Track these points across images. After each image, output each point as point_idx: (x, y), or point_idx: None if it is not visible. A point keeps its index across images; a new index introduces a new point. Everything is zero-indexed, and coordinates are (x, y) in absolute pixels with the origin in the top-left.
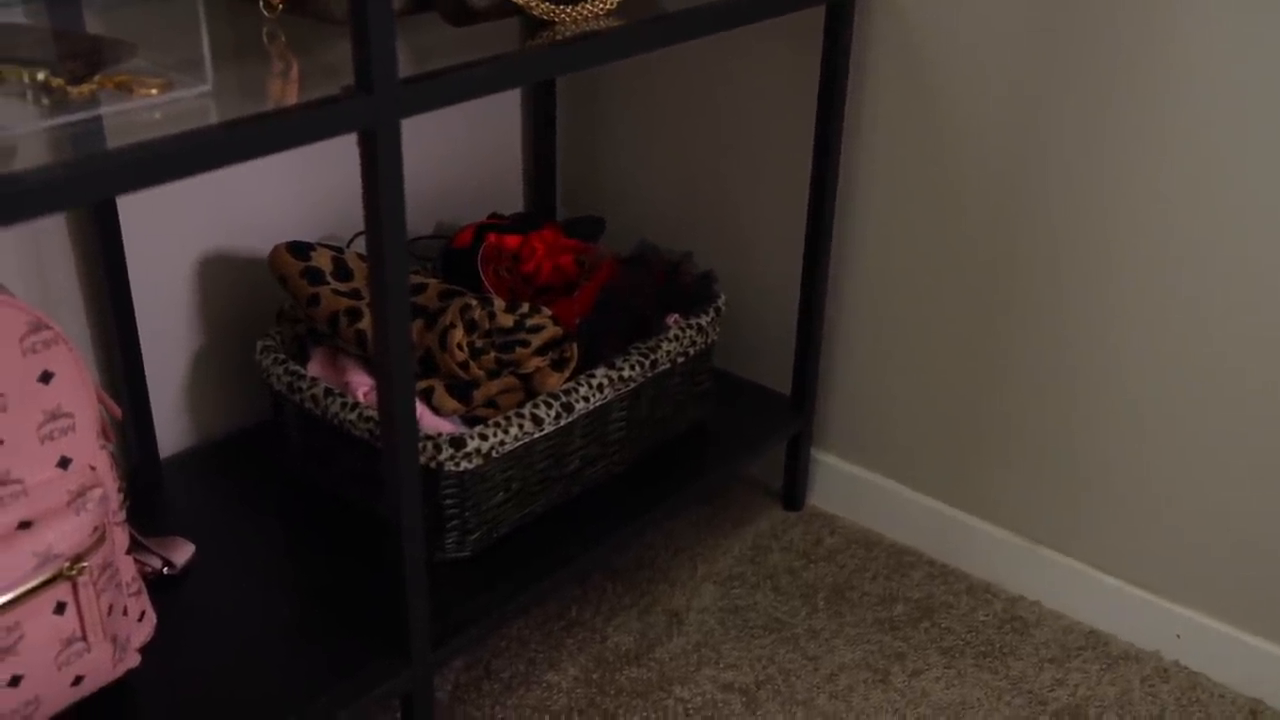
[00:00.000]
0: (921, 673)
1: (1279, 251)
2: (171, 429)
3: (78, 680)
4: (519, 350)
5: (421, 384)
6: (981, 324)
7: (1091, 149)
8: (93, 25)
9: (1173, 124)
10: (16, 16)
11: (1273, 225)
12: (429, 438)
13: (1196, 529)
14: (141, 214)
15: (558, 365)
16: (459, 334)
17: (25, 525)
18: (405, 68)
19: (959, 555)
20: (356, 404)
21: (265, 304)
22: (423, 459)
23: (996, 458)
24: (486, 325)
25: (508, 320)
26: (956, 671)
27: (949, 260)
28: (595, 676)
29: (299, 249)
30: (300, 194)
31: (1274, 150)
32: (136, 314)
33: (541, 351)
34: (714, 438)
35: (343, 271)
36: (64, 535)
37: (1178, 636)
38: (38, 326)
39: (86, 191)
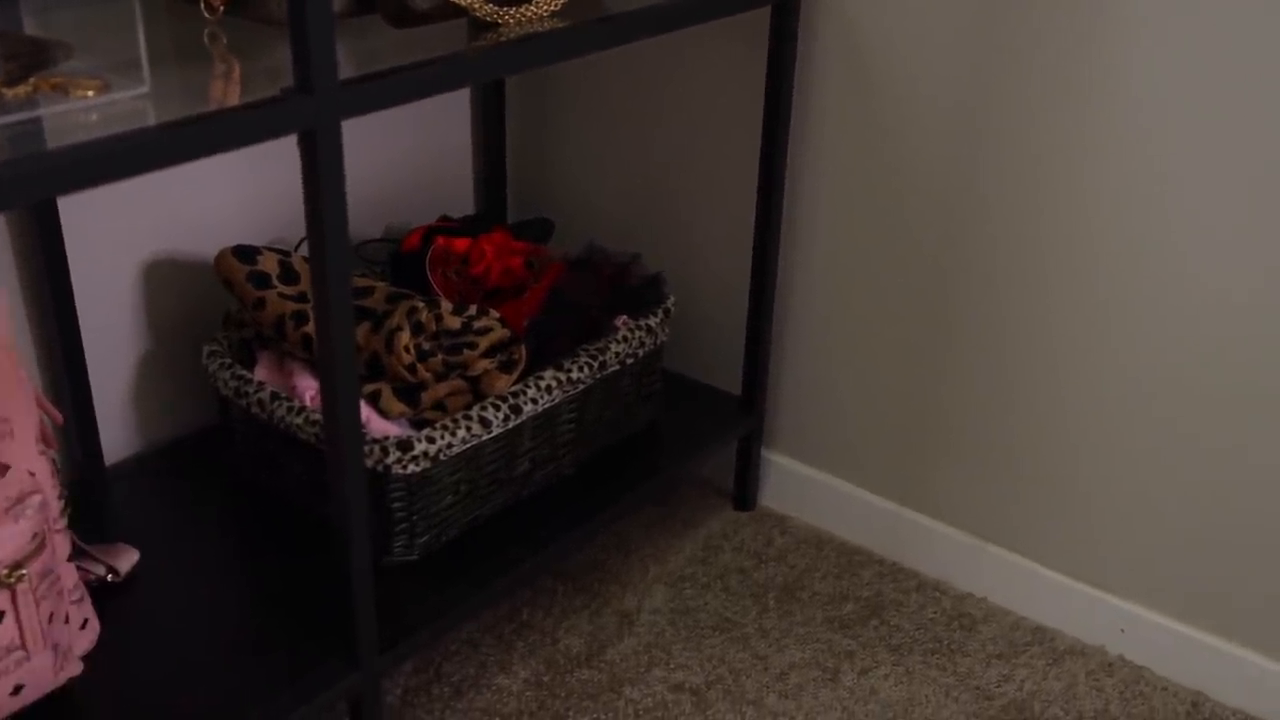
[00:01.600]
0: (870, 670)
1: (1210, 249)
2: (116, 434)
3: (17, 689)
4: (466, 353)
5: (368, 387)
6: (927, 324)
7: (1030, 150)
8: (30, 26)
9: (1108, 126)
10: None
11: (1203, 223)
12: (376, 441)
13: (1141, 525)
14: (85, 216)
15: (506, 367)
16: (405, 336)
17: None
18: (346, 69)
19: (908, 553)
20: (303, 408)
21: (212, 308)
22: (370, 462)
23: (944, 456)
24: (433, 328)
25: (455, 322)
26: (905, 669)
27: (894, 260)
28: (546, 679)
29: (245, 253)
30: (248, 197)
31: (1206, 151)
32: (79, 317)
33: (489, 354)
34: (664, 439)
35: (289, 275)
36: (2, 543)
37: (1122, 631)
38: None
39: (22, 192)
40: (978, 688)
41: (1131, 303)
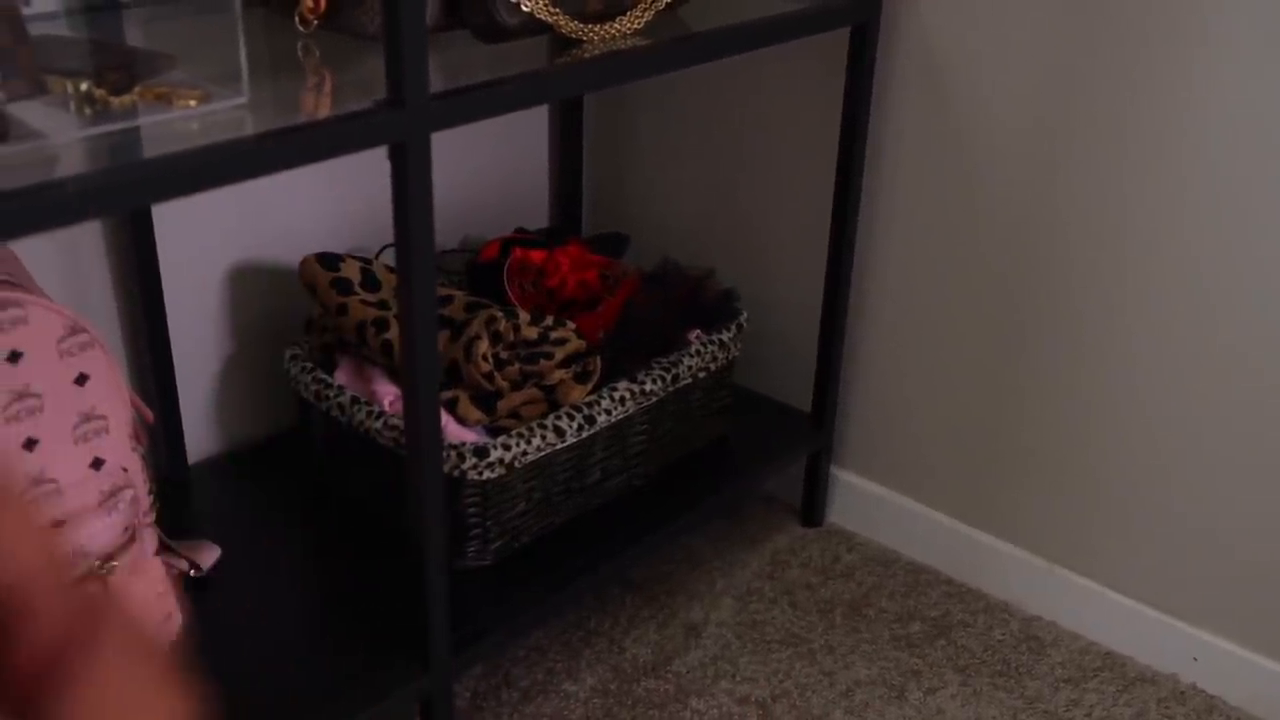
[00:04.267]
0: (937, 690)
1: None
2: (200, 434)
3: None
4: (543, 362)
5: (446, 394)
6: (1001, 344)
7: (1112, 171)
8: (133, 38)
9: (1194, 148)
10: (60, 29)
11: None
12: (453, 447)
13: (1215, 551)
14: (176, 223)
15: (581, 378)
16: (484, 345)
17: (58, 524)
18: (436, 83)
19: (976, 574)
20: (382, 413)
21: (294, 313)
22: (446, 468)
23: (1015, 477)
24: (511, 337)
25: (532, 333)
26: (972, 690)
27: (969, 280)
28: (613, 687)
29: (328, 260)
30: (330, 206)
31: None
32: (169, 320)
33: (565, 364)
34: (734, 453)
35: (371, 282)
36: (95, 535)
37: (1195, 659)
38: (75, 330)
39: (124, 199)
40: (1046, 711)
41: (1215, 325)
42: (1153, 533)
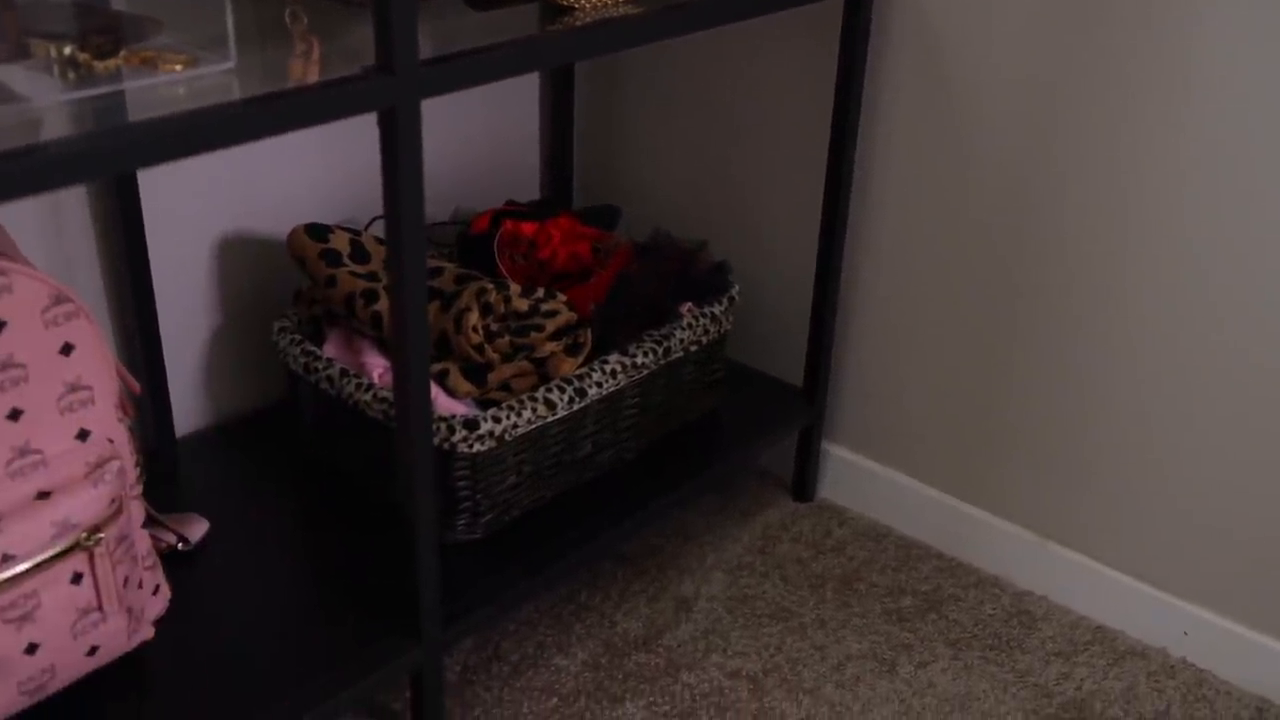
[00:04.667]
0: (928, 664)
1: None
2: (188, 407)
3: (93, 650)
4: (534, 335)
5: (436, 366)
6: (993, 319)
7: (1106, 144)
8: (119, 2)
9: (1190, 126)
10: None
11: None
12: (443, 419)
13: (1205, 526)
14: (162, 192)
15: (572, 350)
16: (474, 317)
17: (44, 495)
18: (426, 49)
19: (967, 549)
20: (371, 385)
21: (283, 285)
22: (436, 440)
23: (1006, 452)
24: (502, 309)
25: (523, 305)
26: (963, 664)
27: (962, 254)
28: (603, 661)
29: (317, 231)
30: (319, 177)
31: None
32: (155, 291)
33: (556, 337)
34: (726, 427)
35: (360, 254)
36: (82, 506)
37: (1185, 633)
38: (60, 299)
39: (108, 163)
40: (1036, 685)
41: (1207, 299)
42: (1144, 508)
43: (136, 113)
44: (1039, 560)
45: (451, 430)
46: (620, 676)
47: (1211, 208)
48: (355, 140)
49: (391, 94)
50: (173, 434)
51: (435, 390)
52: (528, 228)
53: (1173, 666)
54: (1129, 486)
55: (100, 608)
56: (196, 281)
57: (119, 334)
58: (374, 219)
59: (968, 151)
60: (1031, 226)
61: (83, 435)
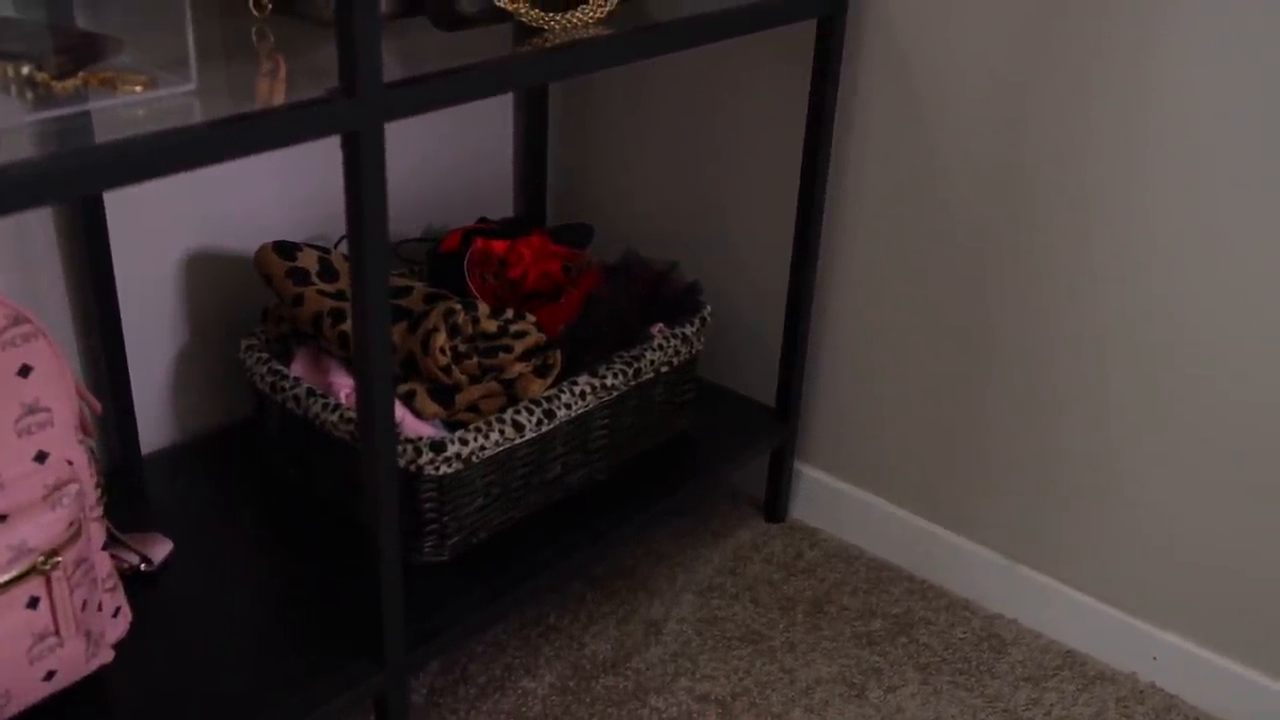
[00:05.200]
0: (898, 688)
1: (1265, 266)
2: (154, 425)
3: (50, 675)
4: (502, 356)
5: (403, 387)
6: (967, 341)
7: (1079, 169)
8: (82, 21)
9: (1158, 142)
10: (5, 10)
11: (1259, 240)
12: (409, 441)
13: (1176, 552)
14: (128, 210)
15: (541, 372)
16: (442, 338)
17: (0, 519)
18: (392, 71)
19: (939, 572)
20: (338, 405)
21: (251, 303)
22: (403, 462)
23: (978, 475)
24: (470, 330)
25: (491, 326)
26: (933, 688)
27: (935, 275)
28: (571, 684)
29: (285, 249)
30: (289, 194)
31: (1259, 161)
32: (121, 310)
33: (525, 358)
34: (697, 447)
35: (329, 272)
36: (39, 529)
37: (1154, 659)
38: (17, 320)
39: (69, 187)
40: (1006, 710)
41: (1178, 324)
42: (1114, 532)
43: (98, 134)
44: (1010, 584)
45: (418, 452)
46: (588, 700)
47: (1183, 231)
48: (324, 156)
49: (354, 117)
50: (138, 452)
51: (402, 411)
52: (499, 246)
53: (1142, 692)
54: (1100, 511)
55: (57, 632)
56: (163, 299)
57: (84, 352)
58: (343, 237)
59: (940, 171)
60: (1004, 249)
61: (40, 458)
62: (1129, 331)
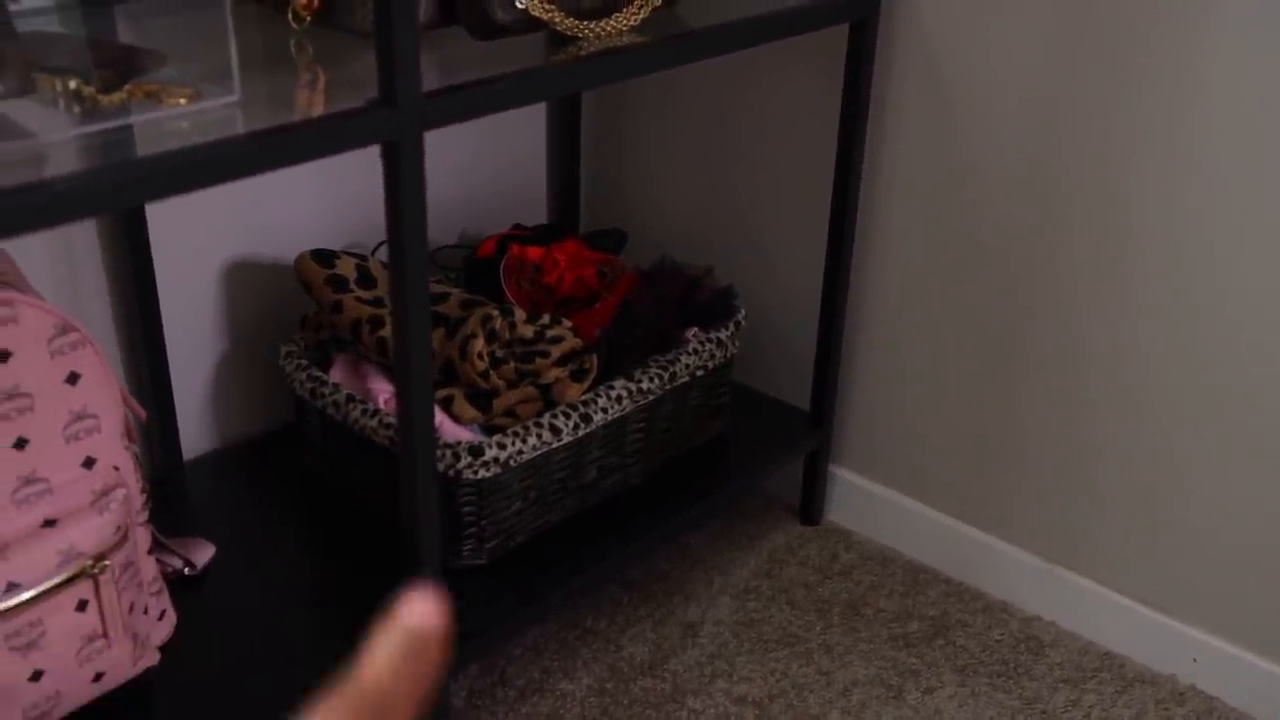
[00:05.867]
0: (935, 690)
1: None
2: (195, 432)
3: (98, 676)
4: (539, 361)
5: (441, 392)
6: (1000, 343)
7: (1113, 172)
8: (125, 35)
9: (1196, 147)
10: (51, 25)
11: None
12: (448, 446)
13: (1215, 552)
14: (169, 220)
15: (577, 376)
16: (480, 343)
17: (50, 523)
18: (429, 81)
19: (975, 574)
20: (377, 411)
21: (290, 310)
22: (441, 466)
23: (1015, 477)
24: (507, 335)
25: (528, 331)
26: (970, 690)
27: (969, 278)
28: (609, 686)
29: (323, 256)
30: (326, 202)
31: None
32: (163, 318)
33: (561, 363)
34: (732, 451)
35: (366, 279)
36: (87, 534)
37: (1194, 660)
38: (65, 329)
39: (115, 198)
40: (1044, 712)
41: (1215, 325)
42: (1152, 533)
43: (142, 147)
44: (1047, 586)
45: (456, 457)
46: (626, 702)
47: (1220, 236)
48: (362, 164)
49: (394, 127)
50: (180, 458)
51: (440, 416)
52: (534, 252)
53: (1181, 694)
54: (1138, 512)
55: (105, 634)
56: (204, 307)
57: (128, 360)
58: (380, 244)
59: (973, 175)
60: (1037, 251)
61: (88, 463)
62: (1166, 331)
